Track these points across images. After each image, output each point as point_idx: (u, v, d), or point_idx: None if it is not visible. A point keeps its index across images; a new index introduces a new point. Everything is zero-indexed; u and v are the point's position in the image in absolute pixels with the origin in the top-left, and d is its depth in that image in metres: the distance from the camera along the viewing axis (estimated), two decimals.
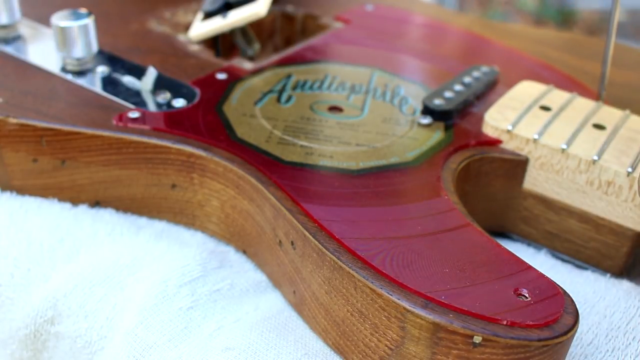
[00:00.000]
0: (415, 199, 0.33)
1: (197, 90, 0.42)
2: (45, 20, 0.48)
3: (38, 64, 0.44)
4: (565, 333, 0.27)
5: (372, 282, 0.28)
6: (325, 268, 0.30)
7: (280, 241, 0.34)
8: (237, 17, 0.48)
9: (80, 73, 0.43)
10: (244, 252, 0.38)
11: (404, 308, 0.27)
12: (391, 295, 0.27)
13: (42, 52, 0.45)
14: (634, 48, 0.54)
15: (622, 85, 0.47)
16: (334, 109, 0.41)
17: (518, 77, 0.44)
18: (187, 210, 0.39)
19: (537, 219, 0.39)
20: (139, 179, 0.39)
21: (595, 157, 0.35)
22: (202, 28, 0.49)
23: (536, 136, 0.37)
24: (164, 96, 0.41)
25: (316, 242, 0.30)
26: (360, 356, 0.30)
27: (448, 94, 0.41)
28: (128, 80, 0.42)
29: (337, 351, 0.32)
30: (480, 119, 0.40)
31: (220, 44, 0.51)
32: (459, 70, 0.46)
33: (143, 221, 0.40)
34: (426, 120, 0.40)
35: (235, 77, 0.43)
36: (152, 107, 0.40)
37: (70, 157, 0.38)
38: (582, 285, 0.36)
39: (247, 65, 0.45)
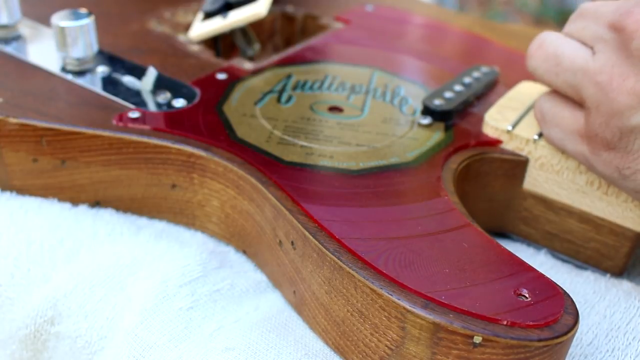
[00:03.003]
0: (416, 199, 0.33)
1: (197, 90, 0.42)
2: (45, 20, 0.48)
3: (38, 64, 0.44)
4: (566, 333, 0.27)
5: (372, 282, 0.28)
6: (325, 268, 0.30)
7: (280, 241, 0.34)
8: (237, 17, 0.48)
9: (80, 73, 0.43)
10: (244, 252, 0.38)
11: (404, 308, 0.27)
12: (391, 295, 0.27)
13: (42, 52, 0.45)
14: None
15: None
16: (334, 109, 0.41)
17: (518, 77, 0.44)
18: (187, 210, 0.39)
19: (537, 219, 0.39)
20: (139, 179, 0.39)
21: None
22: (202, 28, 0.49)
23: (536, 137, 0.37)
24: (164, 96, 0.41)
25: (316, 242, 0.30)
26: (361, 356, 0.30)
27: (448, 94, 0.41)
28: (128, 80, 0.42)
29: (337, 351, 0.32)
30: (480, 119, 0.40)
31: (220, 44, 0.51)
32: (459, 70, 0.46)
33: (143, 221, 0.40)
34: (426, 120, 0.40)
35: (235, 77, 0.43)
36: (152, 107, 0.40)
37: (71, 157, 0.38)
38: (582, 285, 0.36)
39: (247, 66, 0.45)
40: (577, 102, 0.34)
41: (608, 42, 0.32)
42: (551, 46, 0.34)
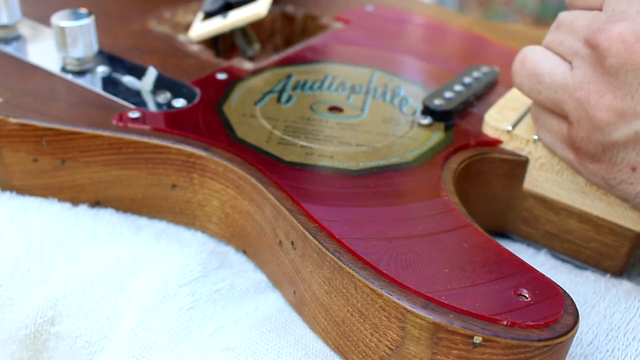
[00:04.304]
0: (416, 199, 0.33)
1: (197, 90, 0.42)
2: (45, 20, 0.48)
3: (38, 64, 0.44)
4: (566, 333, 0.27)
5: (372, 282, 0.28)
6: (325, 268, 0.30)
7: (280, 241, 0.34)
8: (238, 17, 0.48)
9: (80, 73, 0.43)
10: (244, 252, 0.38)
11: (404, 308, 0.27)
12: (391, 295, 0.27)
13: (42, 52, 0.45)
14: None
15: None
16: (334, 109, 0.41)
17: None
18: (187, 210, 0.39)
19: (537, 220, 0.39)
20: (139, 179, 0.39)
21: None
22: (202, 28, 0.49)
23: (536, 137, 0.37)
24: (164, 96, 0.41)
25: (316, 242, 0.30)
26: (361, 356, 0.30)
27: (448, 94, 0.41)
28: (128, 80, 0.42)
29: (337, 351, 0.32)
30: (480, 120, 0.40)
31: (220, 44, 0.51)
32: (459, 70, 0.46)
33: (143, 221, 0.40)
34: (426, 120, 0.40)
35: (236, 77, 0.43)
36: (152, 107, 0.40)
37: (71, 157, 0.38)
38: (582, 286, 0.36)
39: (247, 66, 0.45)
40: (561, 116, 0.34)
41: (584, 58, 0.31)
42: (532, 63, 0.34)
